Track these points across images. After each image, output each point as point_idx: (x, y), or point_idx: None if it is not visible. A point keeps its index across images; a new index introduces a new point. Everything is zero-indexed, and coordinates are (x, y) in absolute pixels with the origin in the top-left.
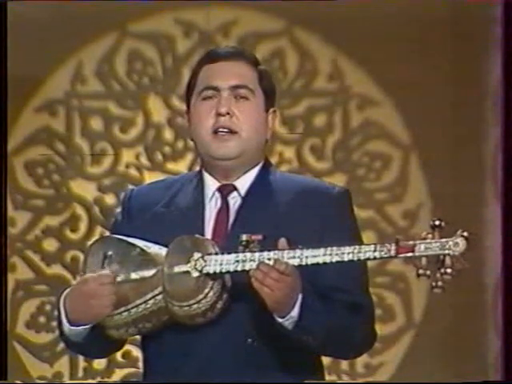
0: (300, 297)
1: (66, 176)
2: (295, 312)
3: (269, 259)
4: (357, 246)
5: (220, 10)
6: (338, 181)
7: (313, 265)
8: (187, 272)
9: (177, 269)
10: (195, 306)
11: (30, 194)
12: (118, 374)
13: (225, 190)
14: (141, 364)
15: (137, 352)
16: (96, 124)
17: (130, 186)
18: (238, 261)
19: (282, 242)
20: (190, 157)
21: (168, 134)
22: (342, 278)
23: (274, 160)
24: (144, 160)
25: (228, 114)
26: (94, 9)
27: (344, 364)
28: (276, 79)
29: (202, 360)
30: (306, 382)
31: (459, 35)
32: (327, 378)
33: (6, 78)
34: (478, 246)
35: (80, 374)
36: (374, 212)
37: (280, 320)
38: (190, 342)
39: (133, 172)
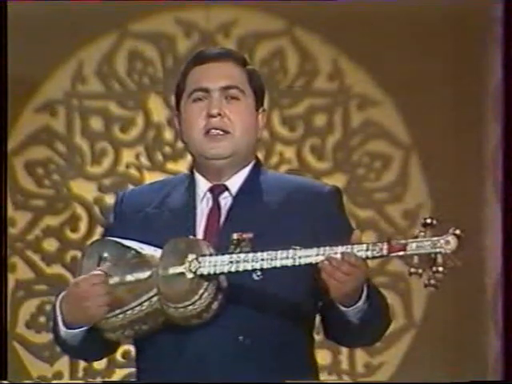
0: (366, 288)
1: (66, 176)
2: (360, 303)
3: (333, 253)
4: (349, 246)
5: (220, 10)
6: (338, 181)
7: (306, 265)
8: (182, 273)
9: (171, 270)
10: (190, 307)
11: (30, 194)
12: (118, 374)
13: (216, 190)
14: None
15: None
16: (96, 124)
17: (130, 186)
18: (232, 261)
19: (357, 233)
20: (190, 157)
21: (168, 134)
22: None
23: (274, 160)
24: (144, 160)
25: (219, 115)
26: (94, 9)
27: (344, 364)
28: (276, 79)
29: (194, 358)
30: (306, 381)
31: (459, 35)
32: (327, 378)
33: (6, 78)
34: (478, 246)
35: (80, 373)
36: (373, 212)
37: (344, 309)
38: (182, 341)
39: (133, 172)
